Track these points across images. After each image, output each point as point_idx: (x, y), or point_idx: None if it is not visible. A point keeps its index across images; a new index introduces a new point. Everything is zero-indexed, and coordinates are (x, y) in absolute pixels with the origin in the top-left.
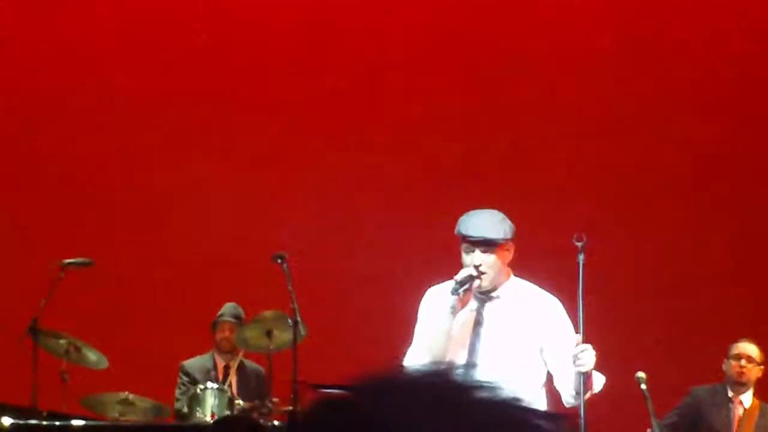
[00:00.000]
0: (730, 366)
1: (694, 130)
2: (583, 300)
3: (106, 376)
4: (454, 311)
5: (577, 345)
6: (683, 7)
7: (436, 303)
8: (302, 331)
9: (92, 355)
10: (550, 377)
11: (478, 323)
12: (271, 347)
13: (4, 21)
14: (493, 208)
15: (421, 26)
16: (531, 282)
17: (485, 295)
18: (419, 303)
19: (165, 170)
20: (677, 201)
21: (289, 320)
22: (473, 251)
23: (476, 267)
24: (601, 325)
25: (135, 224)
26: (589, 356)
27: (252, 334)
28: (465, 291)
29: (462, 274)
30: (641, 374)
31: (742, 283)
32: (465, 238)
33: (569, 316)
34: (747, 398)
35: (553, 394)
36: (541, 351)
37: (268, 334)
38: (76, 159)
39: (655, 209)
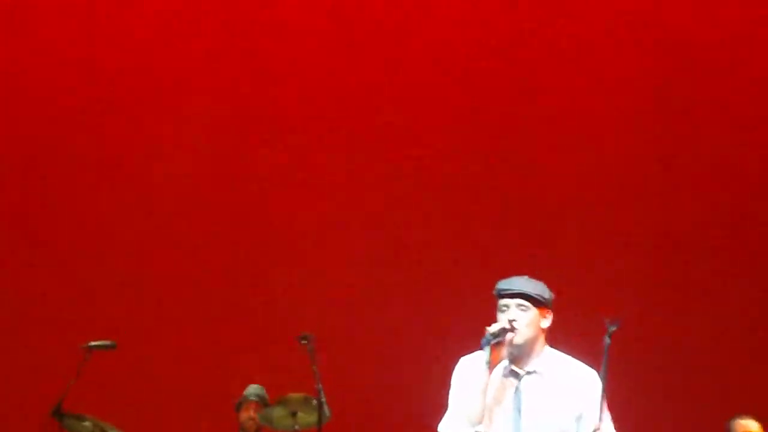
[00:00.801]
0: None
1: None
2: (606, 385)
3: None
4: (489, 366)
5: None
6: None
7: (471, 372)
8: (327, 412)
9: None
10: None
11: (517, 401)
12: (296, 427)
13: None
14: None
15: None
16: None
17: (521, 368)
18: (447, 378)
19: (185, 250)
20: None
21: (314, 402)
22: (508, 308)
23: (510, 321)
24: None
25: (159, 306)
26: None
27: (277, 414)
28: (498, 343)
29: (495, 326)
30: None
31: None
32: (502, 295)
33: None
34: None
35: None
36: (578, 421)
37: (293, 415)
38: (99, 240)
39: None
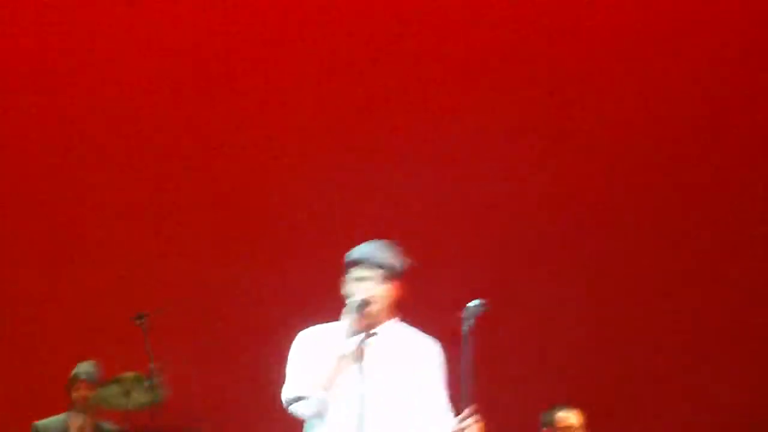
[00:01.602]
0: None
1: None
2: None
3: None
4: (348, 335)
5: (462, 416)
6: None
7: (310, 345)
8: (160, 392)
9: None
10: None
11: (357, 360)
12: (129, 407)
13: None
14: None
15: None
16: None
17: (367, 332)
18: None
19: (33, 218)
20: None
21: (147, 381)
22: (363, 280)
23: (366, 293)
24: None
25: None
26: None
27: (111, 393)
28: (357, 315)
29: (357, 298)
30: None
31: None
32: (354, 263)
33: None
34: None
35: None
36: (418, 392)
37: (127, 394)
38: None
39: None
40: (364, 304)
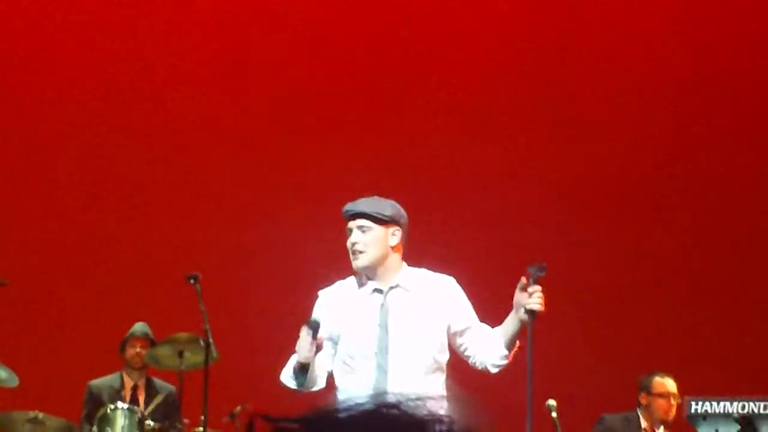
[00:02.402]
0: (658, 404)
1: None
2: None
3: (16, 395)
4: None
5: (527, 287)
6: None
7: (334, 302)
8: (214, 353)
9: (2, 373)
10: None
11: (383, 315)
12: (182, 367)
13: None
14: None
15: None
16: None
17: (382, 285)
18: None
19: (74, 187)
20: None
21: (202, 342)
22: (352, 231)
23: (352, 245)
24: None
25: (47, 242)
26: (540, 297)
27: (164, 353)
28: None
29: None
30: (552, 402)
31: (653, 313)
32: (344, 217)
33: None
34: (660, 429)
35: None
36: (448, 328)
37: (180, 354)
38: None
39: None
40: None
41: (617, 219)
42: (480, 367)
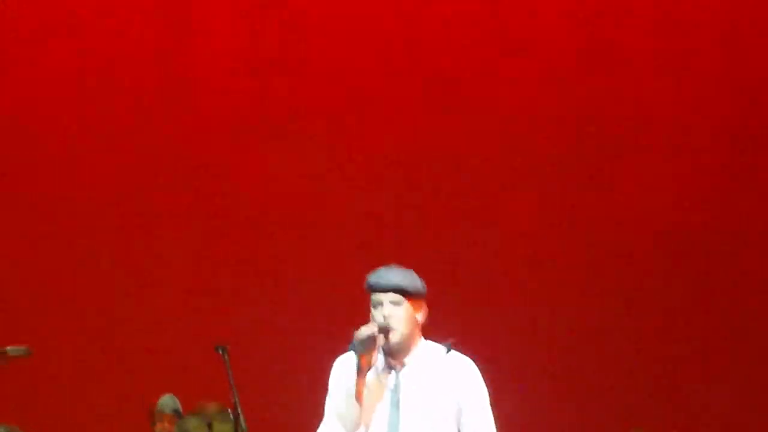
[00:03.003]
0: None
1: None
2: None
3: None
4: (361, 372)
5: None
6: None
7: (345, 374)
8: (243, 425)
9: None
10: None
11: (395, 394)
12: None
13: None
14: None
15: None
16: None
17: (397, 362)
18: None
19: (103, 255)
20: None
21: (230, 413)
22: (381, 304)
23: (384, 319)
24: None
25: (72, 311)
26: None
27: (192, 425)
28: (367, 351)
29: (363, 331)
30: None
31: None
32: (373, 289)
33: None
34: None
35: None
36: (459, 413)
37: (209, 426)
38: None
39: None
40: (370, 340)
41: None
42: None
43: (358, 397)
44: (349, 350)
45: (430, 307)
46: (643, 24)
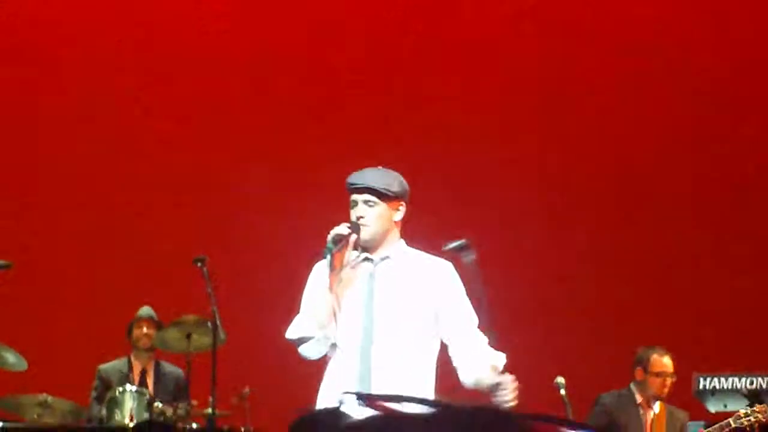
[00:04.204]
0: (653, 382)
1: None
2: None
3: (24, 379)
4: (333, 268)
5: (498, 375)
6: None
7: (321, 271)
8: (222, 335)
9: (11, 357)
10: (443, 347)
11: (371, 285)
12: (191, 350)
13: None
14: None
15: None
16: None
17: (374, 256)
18: None
19: (82, 169)
20: (598, 205)
21: (209, 324)
22: (357, 204)
23: (358, 218)
24: (516, 326)
25: (52, 225)
26: (511, 391)
27: (171, 336)
28: (339, 248)
29: (334, 231)
30: (561, 379)
31: (649, 287)
32: (350, 189)
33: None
34: (655, 404)
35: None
36: (437, 316)
37: (188, 336)
38: None
39: (575, 211)
40: (341, 238)
41: (615, 208)
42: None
43: (330, 291)
44: (324, 254)
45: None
46: None
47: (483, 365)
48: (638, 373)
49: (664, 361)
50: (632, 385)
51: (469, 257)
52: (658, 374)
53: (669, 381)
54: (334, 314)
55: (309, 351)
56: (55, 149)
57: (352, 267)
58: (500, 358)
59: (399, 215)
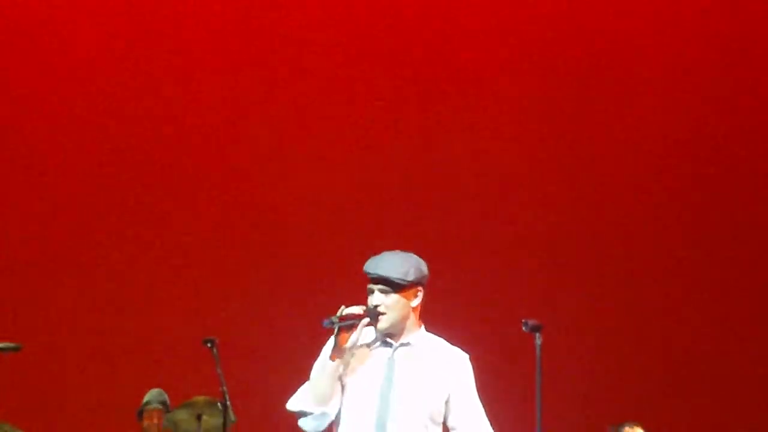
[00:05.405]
0: None
1: None
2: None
3: None
4: (336, 349)
5: None
6: None
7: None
8: (232, 416)
9: None
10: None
11: (389, 370)
12: (201, 431)
13: None
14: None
15: None
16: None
17: (395, 341)
18: None
19: (94, 248)
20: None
21: (219, 405)
22: (373, 292)
23: (374, 307)
24: None
25: (62, 307)
26: None
27: (181, 417)
28: (347, 328)
29: (347, 309)
30: None
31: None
32: (367, 277)
33: None
34: None
35: None
36: (446, 404)
37: (198, 418)
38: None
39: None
40: (352, 317)
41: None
42: None
43: (332, 368)
44: (324, 325)
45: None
46: None
47: None
48: None
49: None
50: None
51: (539, 340)
52: None
53: None
54: (341, 391)
55: (306, 425)
56: (65, 220)
57: (370, 349)
58: None
59: (416, 301)
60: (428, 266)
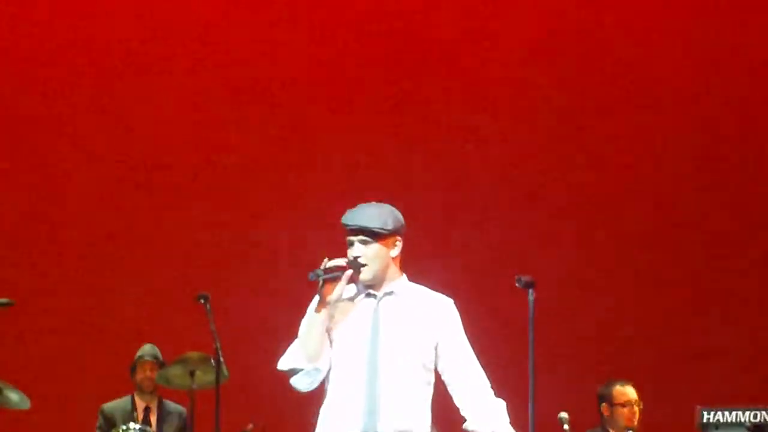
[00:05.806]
0: (621, 413)
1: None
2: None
3: (27, 418)
4: (321, 301)
5: None
6: None
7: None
8: (225, 372)
9: (14, 396)
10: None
11: (375, 320)
12: (194, 387)
13: None
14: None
15: None
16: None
17: (378, 291)
18: None
19: (89, 208)
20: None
21: (212, 361)
22: (353, 244)
23: (354, 258)
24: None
25: (56, 264)
26: None
27: (175, 373)
28: (332, 279)
29: (331, 262)
30: (564, 415)
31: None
32: (345, 229)
33: None
34: None
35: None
36: (435, 350)
37: (191, 374)
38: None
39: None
40: (336, 269)
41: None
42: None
43: (318, 320)
44: (309, 278)
45: None
46: None
47: (484, 425)
48: (604, 408)
49: (627, 391)
50: (603, 422)
51: (533, 296)
52: (623, 404)
53: (636, 409)
54: (330, 346)
55: (299, 383)
56: (60, 186)
57: (354, 302)
58: (500, 409)
59: (396, 251)
60: (412, 220)
